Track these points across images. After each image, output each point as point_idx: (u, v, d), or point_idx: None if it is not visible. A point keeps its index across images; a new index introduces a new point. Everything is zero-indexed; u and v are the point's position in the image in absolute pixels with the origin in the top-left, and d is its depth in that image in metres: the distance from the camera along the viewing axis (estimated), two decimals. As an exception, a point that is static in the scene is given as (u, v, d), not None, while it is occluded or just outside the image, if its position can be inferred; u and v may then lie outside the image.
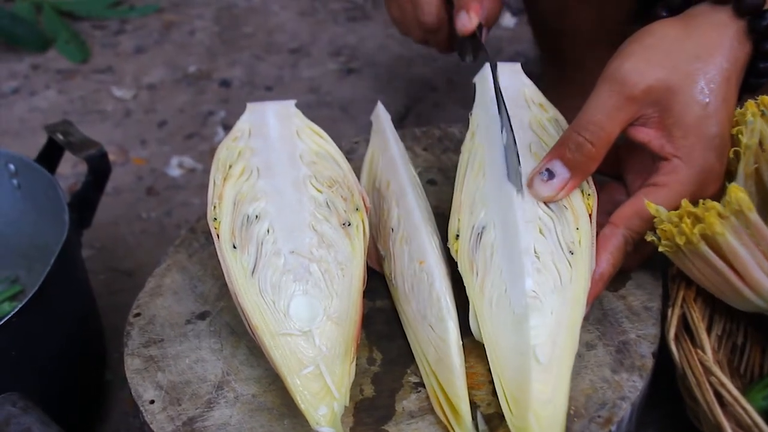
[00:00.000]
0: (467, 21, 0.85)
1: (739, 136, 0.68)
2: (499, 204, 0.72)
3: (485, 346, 0.66)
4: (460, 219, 0.73)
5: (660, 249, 0.68)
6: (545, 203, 0.71)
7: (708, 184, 0.70)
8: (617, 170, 0.77)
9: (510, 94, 0.80)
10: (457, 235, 0.72)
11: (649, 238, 0.68)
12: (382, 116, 0.87)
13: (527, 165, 0.73)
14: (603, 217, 0.73)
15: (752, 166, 0.65)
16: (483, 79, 0.83)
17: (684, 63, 0.70)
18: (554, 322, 0.65)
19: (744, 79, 0.73)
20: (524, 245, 0.68)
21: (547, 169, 0.71)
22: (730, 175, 0.71)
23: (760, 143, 0.68)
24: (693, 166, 0.70)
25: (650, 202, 0.67)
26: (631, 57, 0.71)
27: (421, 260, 0.71)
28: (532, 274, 0.67)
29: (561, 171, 0.70)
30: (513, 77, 0.83)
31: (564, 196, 0.71)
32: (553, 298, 0.66)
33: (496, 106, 0.77)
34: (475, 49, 0.90)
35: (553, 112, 0.80)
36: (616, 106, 0.70)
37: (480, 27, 0.87)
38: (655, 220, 0.67)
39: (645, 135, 0.72)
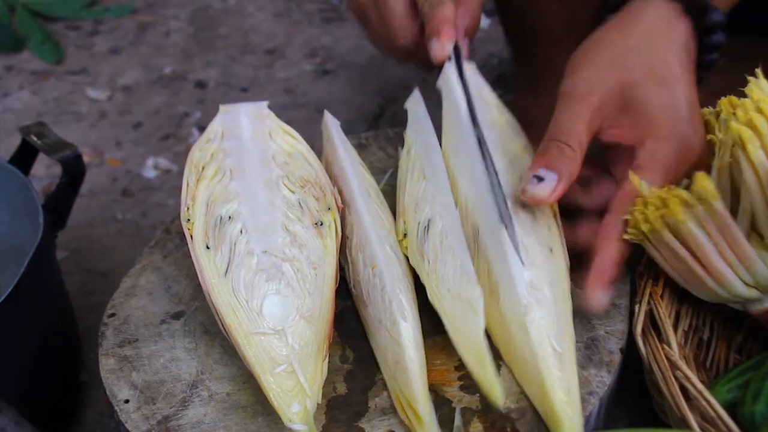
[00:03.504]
0: (440, 49, 0.81)
1: (717, 133, 0.69)
2: (447, 199, 0.75)
3: (446, 328, 0.68)
4: (406, 221, 0.76)
5: (625, 236, 0.69)
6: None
7: (687, 156, 0.72)
8: (603, 165, 0.79)
9: (473, 93, 0.82)
10: (405, 234, 0.75)
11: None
12: (330, 124, 0.87)
13: (499, 162, 0.76)
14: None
15: (727, 160, 0.66)
16: (414, 103, 0.87)
17: (631, 59, 0.74)
18: (555, 313, 0.68)
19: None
20: (513, 239, 0.70)
21: (535, 176, 0.71)
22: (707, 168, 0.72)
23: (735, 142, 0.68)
24: (667, 140, 0.72)
25: (635, 176, 0.69)
26: (582, 72, 0.75)
27: (373, 265, 0.72)
28: (528, 266, 0.69)
29: (549, 175, 0.71)
30: (473, 77, 0.85)
31: (556, 198, 0.72)
32: (549, 291, 0.69)
33: (431, 127, 0.82)
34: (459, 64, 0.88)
35: (507, 115, 0.83)
36: (580, 115, 0.73)
37: (457, 47, 0.84)
38: (637, 199, 0.69)
39: (614, 136, 0.74)
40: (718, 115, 0.70)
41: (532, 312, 0.67)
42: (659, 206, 0.66)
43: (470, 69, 0.85)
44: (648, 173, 0.71)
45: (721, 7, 0.76)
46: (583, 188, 0.76)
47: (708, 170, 0.69)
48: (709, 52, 0.77)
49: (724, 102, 0.69)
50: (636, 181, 0.69)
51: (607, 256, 0.70)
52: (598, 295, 0.69)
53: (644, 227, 0.67)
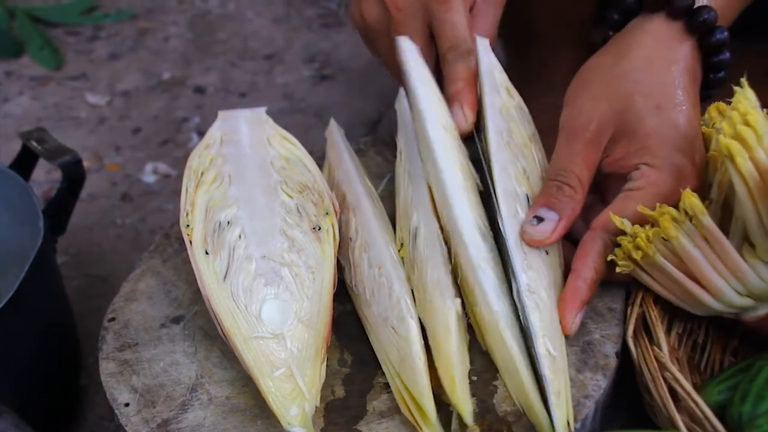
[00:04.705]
0: (463, 122, 0.79)
1: (716, 149, 0.68)
2: (426, 206, 0.75)
3: (430, 340, 0.68)
4: (401, 228, 0.77)
5: (618, 269, 0.69)
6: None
7: (682, 183, 0.70)
8: (599, 194, 0.78)
9: (483, 74, 0.81)
10: (402, 244, 0.76)
11: (609, 257, 0.70)
12: (334, 131, 0.88)
13: (502, 155, 0.75)
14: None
15: (728, 176, 0.65)
16: (401, 105, 0.87)
17: (626, 85, 0.72)
18: (550, 317, 0.68)
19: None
20: (512, 241, 0.71)
21: (535, 216, 0.71)
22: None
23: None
24: (661, 168, 0.70)
25: (615, 215, 0.68)
26: (576, 102, 0.73)
27: (380, 266, 0.73)
28: (525, 270, 0.69)
29: (549, 215, 0.71)
30: (485, 54, 0.83)
31: (557, 238, 0.71)
32: (546, 294, 0.69)
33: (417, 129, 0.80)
34: None
35: (517, 99, 0.81)
36: (576, 151, 0.72)
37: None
38: (619, 238, 0.69)
39: (611, 166, 0.73)
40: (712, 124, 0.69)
41: (529, 315, 0.67)
42: (652, 225, 0.66)
43: (482, 44, 0.83)
44: (639, 196, 0.70)
45: (724, 23, 0.73)
46: (581, 217, 0.74)
47: (706, 189, 0.69)
48: (715, 71, 0.75)
49: (712, 109, 0.69)
50: (618, 221, 0.68)
51: (583, 276, 0.69)
52: (571, 318, 0.68)
53: (636, 255, 0.67)
